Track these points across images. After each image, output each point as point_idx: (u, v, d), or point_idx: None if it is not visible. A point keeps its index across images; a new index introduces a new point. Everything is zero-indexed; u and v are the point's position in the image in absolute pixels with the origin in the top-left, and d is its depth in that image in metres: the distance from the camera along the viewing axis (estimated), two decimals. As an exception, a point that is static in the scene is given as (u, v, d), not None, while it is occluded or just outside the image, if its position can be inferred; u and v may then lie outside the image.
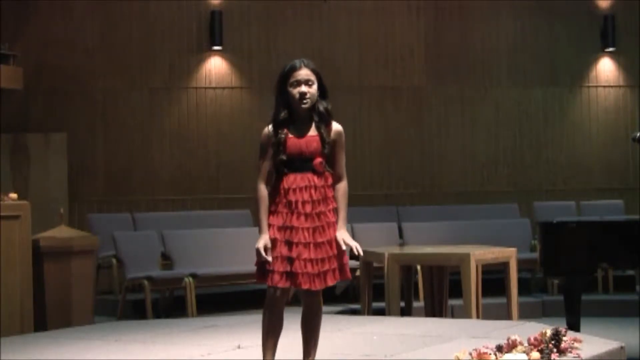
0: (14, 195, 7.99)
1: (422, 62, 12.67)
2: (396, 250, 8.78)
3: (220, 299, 9.76)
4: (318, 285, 4.53)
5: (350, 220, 10.59)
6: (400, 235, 10.64)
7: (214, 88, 12.13)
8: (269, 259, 4.48)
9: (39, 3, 11.83)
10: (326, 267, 4.54)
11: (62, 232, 8.46)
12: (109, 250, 9.93)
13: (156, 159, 12.01)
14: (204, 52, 12.14)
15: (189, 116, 12.13)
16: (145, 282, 9.05)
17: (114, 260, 9.99)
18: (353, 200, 12.81)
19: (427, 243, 9.75)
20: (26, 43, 11.73)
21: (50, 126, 11.66)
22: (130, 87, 12.02)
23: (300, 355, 4.71)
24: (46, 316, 8.06)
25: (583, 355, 5.17)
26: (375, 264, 8.60)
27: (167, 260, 9.85)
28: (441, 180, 12.66)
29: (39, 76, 11.72)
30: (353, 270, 9.61)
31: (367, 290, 8.70)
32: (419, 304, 9.03)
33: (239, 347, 5.98)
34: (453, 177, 12.67)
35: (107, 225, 10.53)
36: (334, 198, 4.62)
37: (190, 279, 9.12)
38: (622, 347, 5.70)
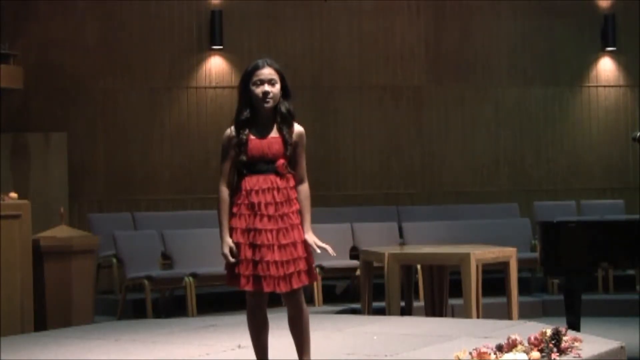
0: (14, 195, 8.00)
1: (422, 61, 12.67)
2: (396, 249, 8.78)
3: (221, 298, 9.75)
4: (283, 288, 4.48)
5: (351, 220, 10.73)
6: (401, 235, 10.64)
7: (214, 88, 12.13)
8: (236, 260, 4.46)
9: (39, 3, 11.83)
10: (291, 269, 4.49)
11: (62, 232, 8.47)
12: (109, 250, 9.93)
13: (156, 158, 12.01)
14: (204, 51, 12.14)
15: (189, 116, 12.13)
16: (146, 282, 9.06)
17: (114, 260, 10.00)
18: (353, 200, 12.91)
19: (427, 243, 9.76)
20: (26, 43, 11.73)
21: (50, 126, 11.66)
22: (130, 87, 12.02)
23: (296, 356, 4.71)
24: (46, 316, 8.06)
25: (583, 355, 5.17)
26: (375, 264, 8.60)
27: (167, 259, 9.85)
28: (441, 179, 12.65)
29: (39, 76, 11.72)
30: (353, 269, 9.71)
31: (367, 290, 8.71)
32: (419, 303, 9.03)
33: (239, 346, 5.98)
34: (453, 176, 12.67)
35: (108, 225, 10.54)
36: (297, 200, 4.60)
37: (191, 278, 9.12)
38: (622, 347, 5.70)
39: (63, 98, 11.81)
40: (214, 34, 12.03)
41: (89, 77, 11.91)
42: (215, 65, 12.14)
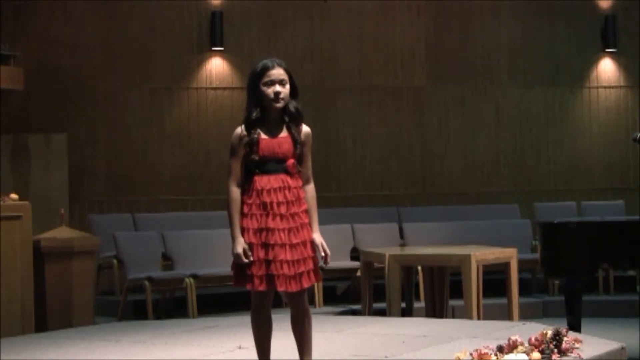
0: (14, 196, 7.99)
1: (423, 62, 12.67)
2: (397, 250, 8.78)
3: (221, 299, 9.76)
4: (294, 287, 4.49)
5: (351, 221, 10.72)
6: (401, 236, 10.64)
7: (215, 88, 12.13)
8: (251, 260, 4.47)
9: (39, 3, 11.83)
10: (302, 268, 4.51)
11: (62, 233, 8.47)
12: (110, 251, 9.93)
13: (157, 159, 12.01)
14: (204, 52, 12.14)
15: (189, 116, 12.13)
16: (146, 283, 9.05)
17: (114, 261, 9.99)
18: (354, 201, 12.90)
19: (428, 243, 9.76)
20: (26, 43, 11.73)
21: (50, 126, 11.67)
22: (130, 87, 12.02)
23: (297, 356, 4.71)
24: (47, 317, 8.06)
25: (584, 356, 5.18)
26: (376, 265, 8.60)
27: (167, 260, 9.85)
28: (442, 180, 12.65)
29: (39, 76, 11.72)
30: (353, 270, 9.71)
31: (368, 291, 8.71)
32: (419, 304, 9.03)
33: (239, 347, 5.98)
34: (453, 177, 12.67)
35: (108, 226, 10.54)
36: (304, 199, 4.62)
37: (191, 279, 9.12)
38: (622, 348, 5.70)
39: (63, 99, 11.81)
40: (214, 34, 12.03)
41: (90, 78, 11.91)
42: (216, 66, 12.13)
